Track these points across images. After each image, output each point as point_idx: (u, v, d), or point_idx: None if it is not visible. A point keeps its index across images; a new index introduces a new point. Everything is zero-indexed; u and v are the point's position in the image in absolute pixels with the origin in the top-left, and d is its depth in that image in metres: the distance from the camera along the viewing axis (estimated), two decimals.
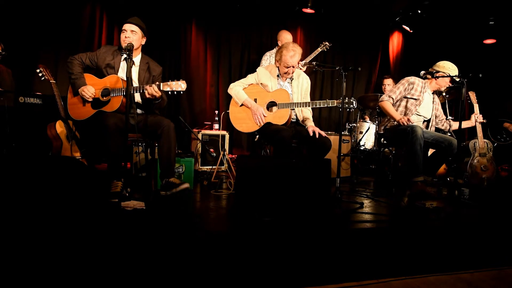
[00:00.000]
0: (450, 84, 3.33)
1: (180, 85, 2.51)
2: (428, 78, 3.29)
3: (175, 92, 2.52)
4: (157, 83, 2.53)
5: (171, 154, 2.62)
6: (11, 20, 3.96)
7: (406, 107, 3.28)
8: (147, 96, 2.54)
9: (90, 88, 2.61)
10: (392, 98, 3.27)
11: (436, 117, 3.44)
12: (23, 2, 4.00)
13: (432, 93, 3.40)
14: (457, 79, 3.13)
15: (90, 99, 2.62)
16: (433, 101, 3.39)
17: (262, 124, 2.87)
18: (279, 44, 4.19)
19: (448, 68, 3.19)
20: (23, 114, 3.10)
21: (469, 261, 1.94)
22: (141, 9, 4.46)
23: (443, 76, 3.16)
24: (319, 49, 4.27)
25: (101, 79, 2.68)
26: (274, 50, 4.26)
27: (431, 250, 2.03)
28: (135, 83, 2.75)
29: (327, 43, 4.26)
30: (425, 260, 1.94)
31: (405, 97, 3.29)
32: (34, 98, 3.13)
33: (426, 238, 2.11)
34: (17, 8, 3.99)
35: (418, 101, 3.27)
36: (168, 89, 2.51)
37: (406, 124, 3.04)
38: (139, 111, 2.79)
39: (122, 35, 2.66)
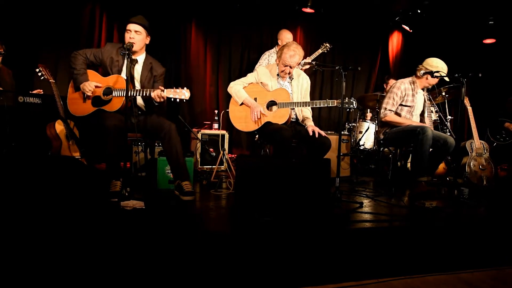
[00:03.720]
0: (437, 81, 3.28)
1: (184, 94, 2.49)
2: (418, 77, 3.27)
3: (178, 100, 2.51)
4: (161, 88, 2.51)
5: (179, 157, 2.61)
6: (11, 20, 3.95)
7: (401, 115, 3.26)
8: (153, 97, 2.53)
9: (92, 84, 2.59)
10: (393, 111, 3.26)
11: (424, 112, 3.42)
12: (23, 2, 4.00)
13: (423, 90, 3.38)
14: (447, 79, 3.12)
15: (90, 93, 2.60)
16: (424, 99, 3.38)
17: (260, 121, 2.86)
18: (280, 43, 4.18)
19: (437, 66, 3.19)
20: (23, 114, 3.10)
21: (469, 261, 1.95)
22: (141, 9, 4.45)
23: (440, 76, 3.14)
24: (320, 51, 4.25)
25: (104, 78, 2.67)
26: (273, 50, 4.25)
27: (431, 249, 2.03)
28: (137, 82, 2.74)
29: (327, 44, 4.23)
30: (425, 259, 1.94)
31: (400, 105, 3.28)
32: (33, 97, 3.13)
33: (425, 238, 2.11)
34: (17, 8, 3.98)
35: (412, 107, 3.25)
36: (171, 96, 2.49)
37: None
38: (139, 111, 2.79)
39: (127, 35, 2.64)
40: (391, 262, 1.88)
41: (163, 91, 2.50)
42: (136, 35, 2.64)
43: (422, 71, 3.23)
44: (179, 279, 1.55)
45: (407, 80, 3.31)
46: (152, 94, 2.52)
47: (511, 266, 1.90)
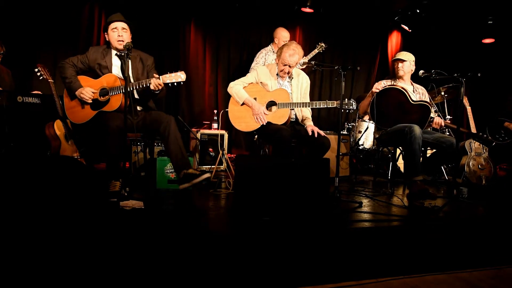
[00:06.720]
0: (396, 64, 3.35)
1: (180, 76, 2.50)
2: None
3: (175, 83, 2.51)
4: (156, 76, 2.51)
5: (181, 146, 2.59)
6: (10, 20, 3.94)
7: None
8: (152, 88, 2.53)
9: (88, 90, 2.57)
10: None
11: None
12: (22, 2, 3.99)
13: (415, 85, 3.42)
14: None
15: (90, 101, 2.59)
16: (413, 90, 3.37)
17: (264, 123, 2.86)
18: (276, 41, 4.18)
19: (405, 54, 3.33)
20: (22, 114, 3.09)
21: (468, 260, 1.95)
22: (140, 8, 4.45)
23: (441, 77, 3.16)
24: (316, 50, 4.29)
25: (97, 79, 2.66)
26: (269, 48, 4.24)
27: (430, 249, 2.03)
28: (131, 78, 2.73)
29: (323, 44, 4.28)
30: (424, 259, 1.94)
31: None
32: (32, 97, 3.12)
33: (425, 237, 2.12)
34: (16, 8, 3.98)
35: None
36: (168, 81, 2.50)
37: (379, 88, 3.07)
38: (138, 107, 2.79)
39: (114, 34, 2.63)
40: (390, 262, 1.88)
41: (159, 78, 2.50)
42: (124, 32, 2.64)
43: (422, 71, 3.27)
44: (178, 279, 1.55)
45: (388, 80, 3.41)
46: (151, 86, 2.51)
47: (510, 265, 1.90)
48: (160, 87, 2.53)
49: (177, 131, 2.61)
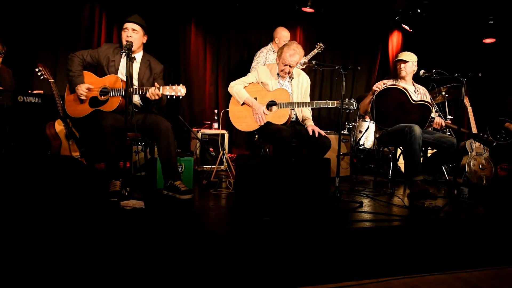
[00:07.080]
0: (399, 66, 3.35)
1: (179, 90, 2.49)
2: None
3: (174, 97, 2.50)
4: (157, 85, 2.51)
5: (171, 156, 2.60)
6: (10, 19, 3.95)
7: None
8: (147, 96, 2.53)
9: (83, 86, 2.59)
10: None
11: None
12: (22, 2, 3.99)
13: (415, 85, 3.40)
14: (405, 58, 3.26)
15: (83, 97, 2.62)
16: (415, 91, 3.35)
17: (263, 123, 2.86)
18: (276, 41, 4.18)
19: (408, 54, 3.31)
20: (22, 113, 3.10)
21: (468, 260, 1.95)
22: (140, 8, 4.44)
23: (442, 77, 3.15)
24: (315, 51, 4.30)
25: (100, 78, 2.68)
26: (269, 47, 4.24)
27: (430, 249, 2.03)
28: (135, 80, 2.74)
29: (321, 44, 4.29)
30: (424, 259, 1.94)
31: None
32: (33, 97, 3.13)
33: (425, 237, 2.11)
34: (16, 7, 3.98)
35: None
36: (167, 93, 2.49)
37: (380, 87, 3.07)
38: (137, 110, 2.79)
39: (124, 34, 2.65)
40: (390, 262, 1.88)
41: (158, 88, 2.50)
42: (134, 33, 2.65)
43: (422, 71, 3.26)
44: (179, 279, 1.55)
45: (390, 80, 3.41)
46: (147, 94, 2.52)
47: (510, 265, 1.90)
48: (156, 97, 2.52)
49: (172, 139, 2.60)
